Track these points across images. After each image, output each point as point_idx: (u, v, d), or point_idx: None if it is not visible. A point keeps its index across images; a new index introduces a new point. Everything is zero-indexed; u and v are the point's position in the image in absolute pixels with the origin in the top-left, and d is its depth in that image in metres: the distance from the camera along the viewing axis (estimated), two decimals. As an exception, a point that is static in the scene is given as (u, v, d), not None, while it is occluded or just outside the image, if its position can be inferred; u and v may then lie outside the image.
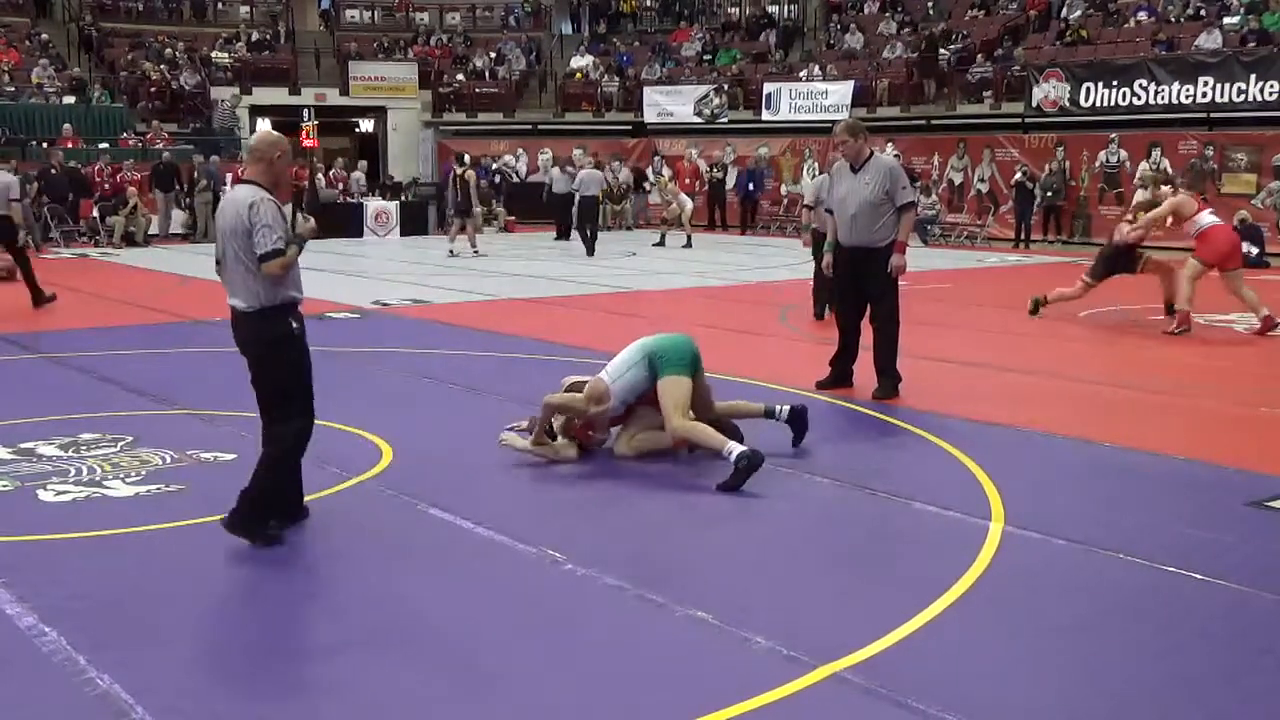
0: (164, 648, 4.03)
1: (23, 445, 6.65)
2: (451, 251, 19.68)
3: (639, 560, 4.92)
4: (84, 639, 4.03)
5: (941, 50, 25.87)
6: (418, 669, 3.89)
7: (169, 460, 6.37)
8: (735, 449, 5.96)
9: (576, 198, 20.64)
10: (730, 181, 26.43)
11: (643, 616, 4.34)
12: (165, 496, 5.74)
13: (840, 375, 8.42)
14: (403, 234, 24.00)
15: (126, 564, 4.89)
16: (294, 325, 5.09)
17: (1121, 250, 12.04)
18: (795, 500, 5.89)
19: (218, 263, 5.18)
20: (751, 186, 25.57)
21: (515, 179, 27.60)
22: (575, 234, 22.53)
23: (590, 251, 19.71)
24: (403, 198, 25.93)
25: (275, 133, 5.40)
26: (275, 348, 5.05)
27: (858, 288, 8.23)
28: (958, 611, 4.37)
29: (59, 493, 5.78)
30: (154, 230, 22.03)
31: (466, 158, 21.89)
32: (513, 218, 25.44)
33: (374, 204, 24.50)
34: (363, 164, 27.33)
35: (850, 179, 8.09)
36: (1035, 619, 4.36)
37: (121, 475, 6.07)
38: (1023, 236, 22.00)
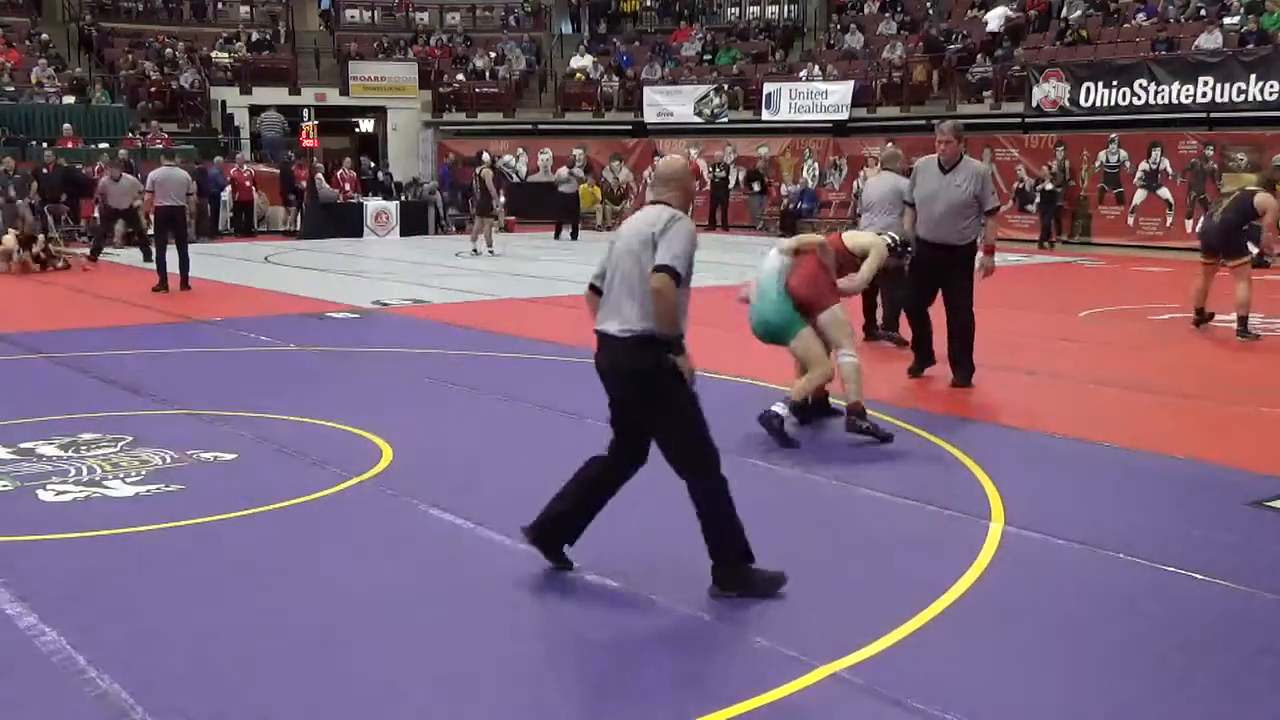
0: (164, 648, 4.03)
1: (23, 445, 6.65)
2: (475, 250, 19.77)
3: (639, 560, 4.92)
4: (84, 639, 4.03)
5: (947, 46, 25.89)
6: (417, 669, 3.89)
7: (169, 460, 6.36)
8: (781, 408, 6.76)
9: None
10: (731, 183, 26.53)
11: (643, 616, 4.34)
12: (165, 496, 5.74)
13: (926, 357, 8.84)
14: (403, 234, 24.00)
15: (126, 564, 4.89)
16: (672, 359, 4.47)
17: None
18: (795, 500, 5.90)
19: (594, 287, 4.69)
20: (803, 203, 25.51)
21: (515, 179, 27.62)
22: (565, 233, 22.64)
23: None
24: (403, 198, 25.93)
25: (680, 158, 5.03)
26: (663, 379, 4.45)
27: (935, 280, 8.52)
28: (958, 611, 4.37)
29: (59, 493, 5.78)
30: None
31: (486, 156, 21.96)
32: (513, 217, 25.46)
33: (374, 204, 24.51)
34: (430, 182, 27.63)
35: (940, 178, 8.37)
36: (1035, 619, 4.36)
37: (121, 475, 6.07)
38: (1048, 238, 21.86)
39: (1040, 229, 22.19)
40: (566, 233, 23.65)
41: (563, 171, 25.20)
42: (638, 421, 4.56)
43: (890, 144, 13.54)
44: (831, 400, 7.36)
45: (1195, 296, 11.42)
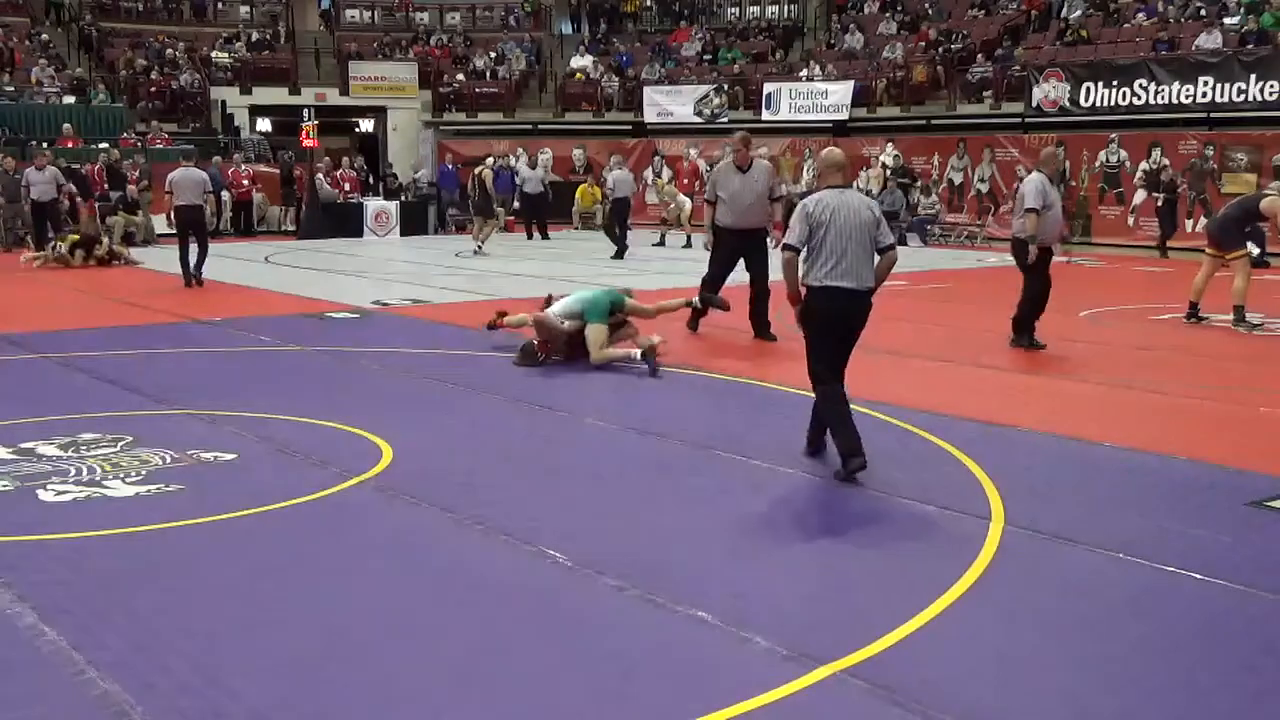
0: (164, 648, 4.03)
1: (23, 445, 6.64)
2: (477, 250, 19.79)
3: (639, 560, 4.92)
4: (84, 639, 4.03)
5: (944, 49, 25.92)
6: (418, 669, 3.89)
7: (169, 460, 6.36)
8: (637, 351, 8.90)
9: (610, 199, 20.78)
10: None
11: (643, 616, 4.34)
12: (165, 496, 5.74)
13: (694, 320, 10.88)
14: (403, 234, 24.00)
15: (126, 564, 4.89)
16: None
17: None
18: (795, 499, 5.90)
19: (795, 249, 6.20)
20: None
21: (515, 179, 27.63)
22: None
23: (620, 255, 19.16)
24: (403, 198, 25.93)
25: (839, 150, 6.59)
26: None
27: (737, 258, 10.69)
28: (958, 611, 4.37)
29: (59, 493, 5.78)
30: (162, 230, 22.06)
31: (490, 159, 22.02)
32: (512, 217, 25.47)
33: (374, 204, 24.51)
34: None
35: (742, 178, 10.44)
36: (1035, 619, 4.36)
37: (121, 475, 6.07)
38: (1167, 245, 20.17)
39: (1160, 236, 20.40)
40: (571, 231, 23.62)
41: (526, 170, 25.15)
42: (851, 343, 6.30)
43: (1050, 146, 13.32)
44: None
45: (1193, 290, 11.82)
